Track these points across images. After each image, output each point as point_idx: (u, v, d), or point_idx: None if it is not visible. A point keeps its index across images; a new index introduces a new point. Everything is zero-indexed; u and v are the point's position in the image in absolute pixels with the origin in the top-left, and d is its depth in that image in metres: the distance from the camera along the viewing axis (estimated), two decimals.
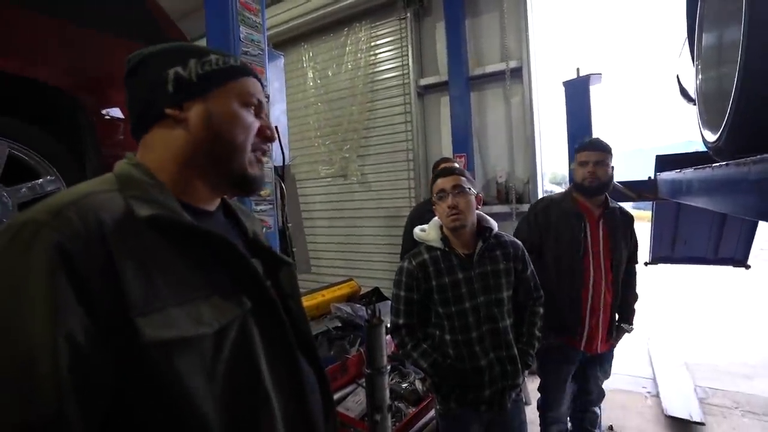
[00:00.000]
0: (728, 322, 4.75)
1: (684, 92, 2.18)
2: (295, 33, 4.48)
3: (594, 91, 2.49)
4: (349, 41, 4.26)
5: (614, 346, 2.01)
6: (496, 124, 3.72)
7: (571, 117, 2.58)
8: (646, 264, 3.08)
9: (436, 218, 1.53)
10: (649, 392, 3.13)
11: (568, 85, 2.59)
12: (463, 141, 3.61)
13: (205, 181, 0.65)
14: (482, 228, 1.49)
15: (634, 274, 2.00)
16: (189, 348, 0.53)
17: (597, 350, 1.88)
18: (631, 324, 1.98)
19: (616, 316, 1.95)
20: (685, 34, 1.67)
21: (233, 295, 0.61)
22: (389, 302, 2.54)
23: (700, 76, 1.41)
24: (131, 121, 0.67)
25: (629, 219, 1.94)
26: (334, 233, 4.59)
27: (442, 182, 1.45)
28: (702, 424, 2.58)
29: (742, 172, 0.78)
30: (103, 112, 1.45)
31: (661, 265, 3.16)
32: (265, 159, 0.71)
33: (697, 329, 4.50)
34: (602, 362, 1.99)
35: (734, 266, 3.00)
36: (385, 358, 1.19)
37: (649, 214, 2.87)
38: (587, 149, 1.83)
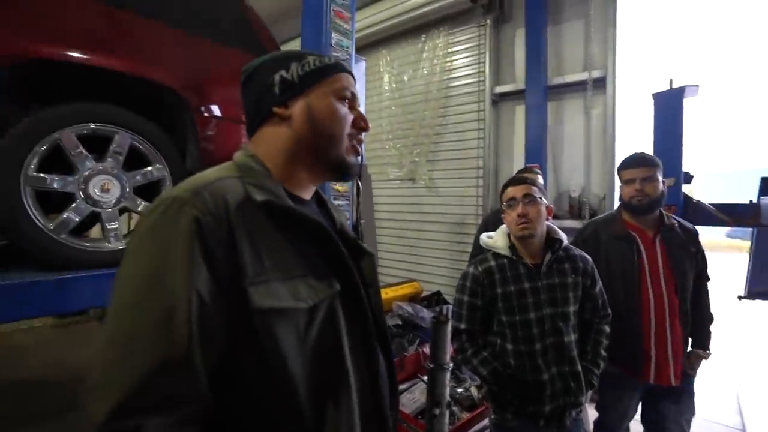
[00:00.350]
0: None
1: None
2: (374, 38, 4.66)
3: (688, 104, 2.31)
4: (426, 47, 4.35)
5: (693, 378, 1.78)
6: (573, 135, 3.58)
7: (659, 132, 2.42)
8: (740, 298, 2.78)
9: (503, 226, 1.54)
10: (735, 426, 2.83)
11: (659, 97, 2.43)
12: (536, 152, 3.53)
13: (307, 170, 0.74)
14: (551, 239, 1.48)
15: (706, 293, 1.80)
16: (286, 318, 0.62)
17: (670, 383, 1.70)
18: (707, 349, 1.78)
19: (689, 343, 1.76)
20: None
21: (325, 277, 0.68)
22: (449, 306, 2.57)
23: None
24: (247, 122, 0.78)
25: (692, 234, 1.78)
26: (399, 235, 4.70)
27: (513, 191, 1.46)
28: None
29: None
30: (202, 109, 1.62)
31: (759, 302, 2.84)
32: (360, 148, 0.79)
33: None
34: (678, 398, 1.76)
35: None
36: (448, 356, 1.23)
37: (743, 243, 2.59)
38: (631, 166, 1.73)
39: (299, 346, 0.62)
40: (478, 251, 2.48)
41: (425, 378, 2.03)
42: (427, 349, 2.20)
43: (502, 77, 3.94)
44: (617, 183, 3.34)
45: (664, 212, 1.77)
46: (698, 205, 2.15)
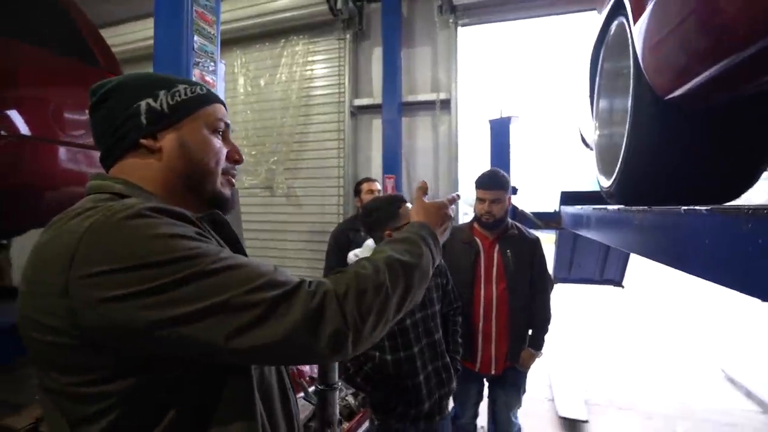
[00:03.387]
0: (627, 357, 5.08)
1: (583, 140, 2.62)
2: (229, 36, 4.36)
3: (514, 129, 2.87)
4: (285, 53, 4.29)
5: (524, 374, 2.08)
6: (424, 149, 4.01)
7: (494, 151, 2.92)
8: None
9: (369, 241, 1.62)
10: (546, 397, 3.58)
11: (492, 123, 2.95)
12: (393, 162, 3.83)
13: (181, 202, 0.70)
14: None
15: (543, 297, 2.07)
16: None
17: (493, 372, 2.01)
18: (539, 349, 2.06)
19: (527, 340, 2.05)
20: (587, 93, 2.05)
21: None
22: None
23: (597, 132, 1.76)
24: (101, 149, 0.70)
25: (532, 242, 2.08)
26: (256, 245, 4.47)
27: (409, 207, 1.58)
28: (585, 421, 3.04)
29: (629, 217, 1.03)
30: None
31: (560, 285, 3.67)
32: (233, 180, 0.79)
33: (597, 364, 4.77)
34: (507, 389, 2.09)
35: (614, 286, 3.60)
36: (336, 374, 1.26)
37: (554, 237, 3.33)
38: (484, 187, 2.00)
39: None
40: (335, 265, 2.54)
41: (301, 395, 2.00)
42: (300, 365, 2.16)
43: (361, 90, 4.16)
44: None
45: (509, 222, 2.09)
46: (522, 213, 2.68)
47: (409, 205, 1.56)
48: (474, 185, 2.07)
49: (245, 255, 0.69)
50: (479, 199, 2.02)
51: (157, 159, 0.68)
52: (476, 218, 2.07)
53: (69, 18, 1.56)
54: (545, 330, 2.09)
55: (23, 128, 1.30)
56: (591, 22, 1.84)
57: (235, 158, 0.77)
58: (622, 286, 3.55)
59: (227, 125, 0.76)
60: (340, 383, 1.35)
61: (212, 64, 1.75)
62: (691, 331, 5.84)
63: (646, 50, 1.02)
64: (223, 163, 0.74)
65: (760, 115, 0.96)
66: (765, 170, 1.10)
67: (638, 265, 3.57)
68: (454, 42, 3.83)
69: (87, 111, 0.71)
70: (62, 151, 1.40)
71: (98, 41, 1.62)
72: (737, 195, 1.15)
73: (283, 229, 4.36)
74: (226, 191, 0.75)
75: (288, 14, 4.03)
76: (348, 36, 4.05)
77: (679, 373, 4.32)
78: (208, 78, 1.73)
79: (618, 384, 4.05)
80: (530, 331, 2.08)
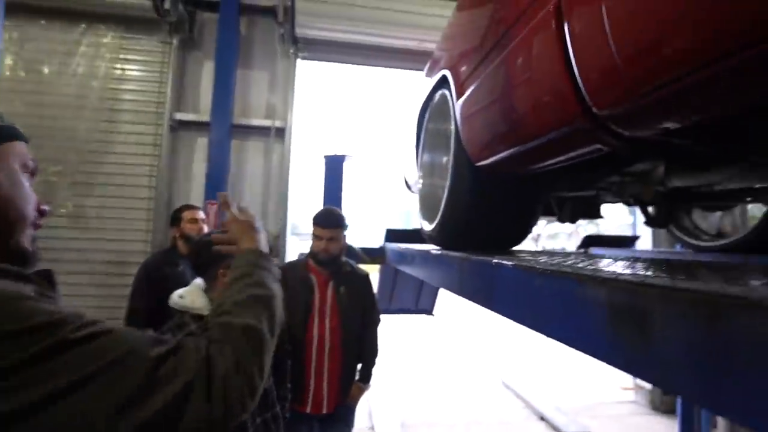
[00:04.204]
0: (445, 380, 5.94)
1: (407, 184, 3.01)
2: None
3: (347, 168, 3.10)
4: (85, 41, 3.62)
5: (352, 405, 2.17)
6: (254, 176, 3.91)
7: (327, 186, 3.08)
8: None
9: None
10: (367, 426, 3.79)
11: (327, 159, 3.11)
12: (218, 188, 3.57)
13: None
14: None
15: (373, 331, 2.20)
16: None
17: (325, 411, 2.03)
18: (368, 382, 2.18)
19: (357, 374, 2.15)
20: (413, 145, 2.38)
21: None
22: None
23: (420, 181, 2.07)
24: None
25: (364, 278, 2.21)
26: None
27: None
28: None
29: (451, 262, 1.25)
30: None
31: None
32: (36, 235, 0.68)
33: (415, 389, 5.22)
34: (335, 424, 2.12)
35: (426, 314, 4.15)
36: None
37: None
38: (321, 225, 2.09)
39: None
40: (144, 305, 2.14)
41: None
42: None
43: (185, 104, 3.82)
44: (289, 225, 3.93)
45: (344, 259, 2.20)
46: (352, 248, 2.87)
47: None
48: (311, 222, 2.13)
49: None
50: (316, 237, 2.08)
51: None
52: (312, 254, 2.12)
53: None
54: (374, 363, 2.23)
55: None
56: (420, 83, 2.18)
57: (41, 209, 0.66)
58: (433, 315, 4.13)
59: (36, 167, 0.65)
60: None
61: None
62: (483, 350, 7.11)
63: (463, 123, 1.29)
64: (33, 212, 0.63)
65: (538, 187, 1.32)
66: (534, 227, 1.51)
67: (443, 296, 4.18)
68: (293, 72, 3.94)
69: None
70: None
71: None
72: (520, 242, 1.53)
73: (65, 258, 3.49)
74: (29, 246, 0.63)
75: None
76: (175, 41, 3.71)
77: (473, 387, 5.17)
78: None
79: (427, 403, 4.60)
80: (359, 366, 2.21)
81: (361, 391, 2.18)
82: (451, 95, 1.41)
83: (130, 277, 2.40)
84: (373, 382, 2.28)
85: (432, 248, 1.72)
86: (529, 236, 1.57)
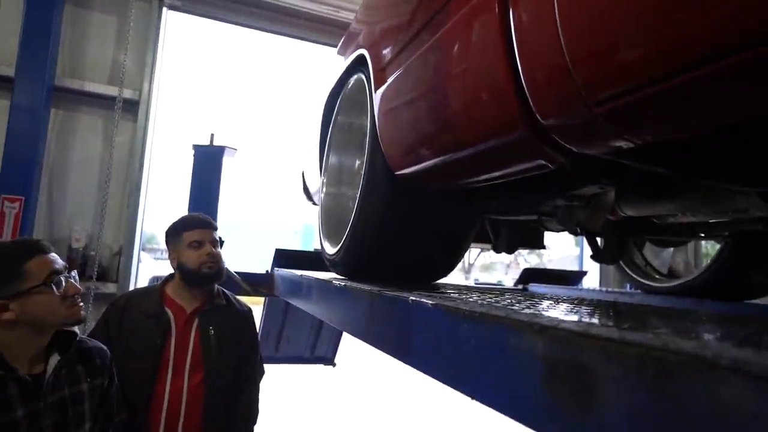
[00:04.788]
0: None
1: (306, 191, 2.98)
2: None
3: (226, 163, 2.99)
4: None
5: None
6: (87, 163, 3.64)
7: (196, 184, 2.93)
8: None
9: None
10: None
11: (198, 149, 2.97)
12: (24, 175, 3.23)
13: None
14: (60, 333, 1.44)
15: (253, 388, 2.11)
16: None
17: None
18: None
19: None
20: (317, 140, 2.37)
21: None
22: None
23: (324, 189, 2.05)
24: None
25: (244, 316, 2.12)
26: None
27: (47, 261, 1.39)
28: None
29: (360, 297, 1.25)
30: None
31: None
32: None
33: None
34: None
35: (325, 364, 4.11)
36: None
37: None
38: (199, 226, 1.99)
39: None
40: None
41: None
42: None
43: None
44: (138, 238, 3.66)
45: (216, 287, 2.07)
46: (229, 273, 2.74)
47: (52, 256, 1.41)
48: (175, 230, 1.99)
49: None
50: (194, 243, 1.95)
51: None
52: (188, 274, 1.95)
53: None
54: (251, 430, 2.13)
55: None
56: (331, 62, 2.19)
57: None
58: (334, 364, 4.09)
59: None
60: None
61: None
62: (396, 406, 7.23)
63: (382, 119, 1.31)
64: None
65: (470, 207, 1.39)
66: (463, 255, 1.58)
67: (350, 340, 4.22)
68: (156, 25, 3.74)
69: None
70: None
71: None
72: (447, 273, 1.59)
73: None
74: None
75: None
76: None
77: None
78: None
79: None
80: None
81: None
82: (369, 82, 1.43)
83: None
84: None
85: (335, 278, 1.70)
86: (459, 266, 1.64)
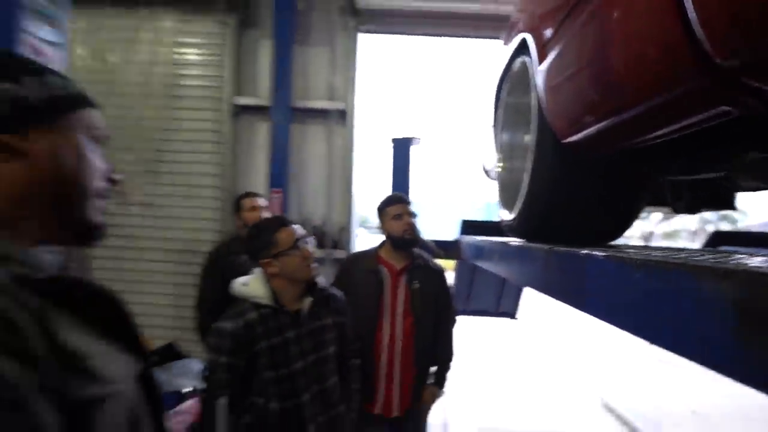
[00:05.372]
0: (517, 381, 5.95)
1: (485, 170, 2.92)
2: None
3: (414, 152, 3.09)
4: (147, 27, 3.97)
5: (425, 410, 2.19)
6: (317, 163, 4.04)
7: (395, 172, 3.09)
8: None
9: (258, 271, 1.59)
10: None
11: (395, 142, 3.13)
12: (281, 175, 3.78)
13: (36, 227, 0.62)
14: (311, 282, 1.63)
15: (447, 332, 2.19)
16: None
17: (395, 414, 2.07)
18: (443, 387, 2.18)
19: (431, 377, 2.15)
20: (491, 124, 2.31)
21: (119, 354, 0.63)
22: (188, 361, 2.38)
23: (499, 164, 1.99)
24: None
25: (439, 274, 2.20)
26: (104, 266, 3.92)
27: (292, 232, 1.58)
28: None
29: (534, 255, 1.20)
30: None
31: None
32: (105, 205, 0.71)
33: (488, 390, 5.43)
34: (407, 429, 2.16)
35: (509, 318, 4.03)
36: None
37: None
38: (399, 202, 2.13)
39: None
40: (213, 295, 2.40)
41: None
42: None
43: (245, 88, 4.04)
44: (355, 215, 4.01)
45: (416, 251, 2.19)
46: (423, 241, 2.87)
47: (296, 227, 1.60)
48: (382, 207, 2.15)
49: (128, 323, 0.65)
50: (396, 216, 2.09)
51: (21, 165, 0.58)
52: (394, 240, 2.11)
53: None
54: (448, 367, 2.22)
55: None
56: (496, 52, 2.10)
57: (113, 178, 0.70)
58: (516, 318, 4.00)
59: (107, 136, 0.69)
60: None
61: (55, 33, 1.50)
62: (576, 361, 6.78)
63: (547, 94, 1.22)
64: (100, 183, 0.66)
65: (642, 168, 1.21)
66: (638, 216, 1.39)
67: (531, 297, 4.05)
68: (354, 47, 3.98)
69: None
70: None
71: None
72: (618, 236, 1.42)
73: (139, 245, 3.92)
74: (99, 218, 0.67)
75: None
76: (232, 21, 3.93)
77: (563, 401, 4.96)
78: (47, 50, 1.49)
79: (508, 413, 4.51)
80: (432, 369, 2.19)
81: (434, 396, 2.18)
82: (532, 62, 1.34)
83: (198, 266, 2.66)
84: (448, 387, 2.28)
85: (512, 241, 1.65)
86: (640, 234, 1.44)
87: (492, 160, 2.21)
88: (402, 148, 3.11)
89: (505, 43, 1.87)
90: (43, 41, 1.52)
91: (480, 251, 2.23)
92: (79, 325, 0.57)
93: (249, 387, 1.50)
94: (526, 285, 1.40)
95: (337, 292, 1.80)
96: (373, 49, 4.25)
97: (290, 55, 3.83)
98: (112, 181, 0.70)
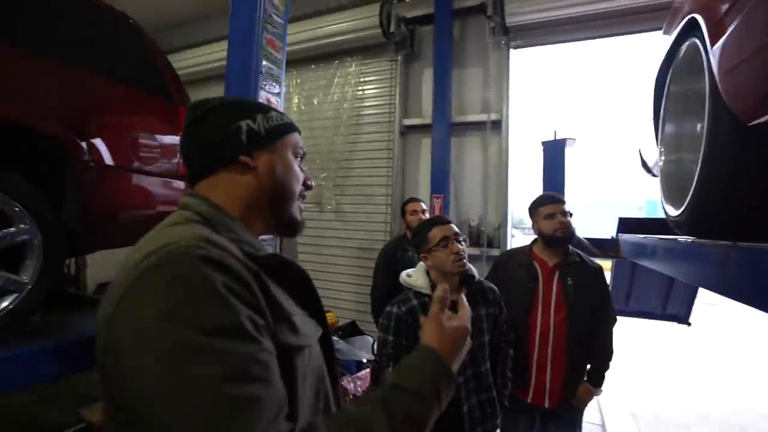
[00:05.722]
0: (672, 374, 5.13)
1: (644, 165, 2.48)
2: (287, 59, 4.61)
3: (568, 152, 2.77)
4: (338, 73, 4.45)
5: (580, 406, 1.97)
6: (473, 170, 3.98)
7: (547, 173, 2.84)
8: None
9: (421, 264, 1.62)
10: (596, 422, 3.36)
11: (546, 145, 2.87)
12: (441, 182, 3.82)
13: (261, 222, 0.75)
14: (466, 275, 1.60)
15: (605, 329, 1.94)
16: (300, 354, 0.64)
17: (546, 406, 1.89)
18: (599, 386, 1.93)
19: (585, 374, 1.93)
20: (651, 116, 1.94)
21: (309, 319, 0.71)
22: (365, 337, 2.57)
23: (663, 158, 1.65)
24: (194, 163, 0.74)
25: (595, 271, 1.96)
26: (305, 260, 4.58)
27: (443, 229, 1.55)
28: None
29: (708, 252, 0.95)
30: (86, 157, 1.39)
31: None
32: (303, 206, 0.83)
33: (643, 380, 4.82)
34: (559, 421, 1.96)
35: (678, 323, 3.32)
36: None
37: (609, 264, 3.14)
38: (551, 202, 1.94)
39: (303, 379, 0.64)
40: (384, 283, 2.56)
41: None
42: (345, 383, 2.17)
43: (411, 111, 4.22)
44: (510, 215, 3.81)
45: (570, 248, 1.99)
46: (579, 239, 2.56)
47: (449, 226, 1.58)
48: (534, 207, 2.01)
49: (315, 296, 0.73)
50: (548, 216, 1.93)
51: (252, 176, 0.72)
52: (547, 238, 1.96)
53: (150, 59, 1.73)
54: (605, 366, 1.94)
55: (107, 158, 1.45)
56: (655, 42, 1.76)
57: (308, 184, 0.81)
58: (689, 324, 3.26)
59: (305, 152, 0.82)
60: None
61: (277, 86, 1.87)
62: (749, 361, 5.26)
63: (725, 73, 0.96)
64: (300, 187, 0.78)
65: None
66: None
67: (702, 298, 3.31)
68: (506, 63, 3.80)
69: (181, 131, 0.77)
70: (137, 178, 1.55)
71: (173, 79, 1.77)
72: None
73: (331, 243, 4.46)
74: (299, 215, 0.79)
75: (343, 38, 4.20)
76: (399, 57, 4.14)
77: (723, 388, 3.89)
78: (272, 99, 1.84)
79: (658, 396, 3.79)
80: (588, 366, 1.95)
81: (589, 394, 1.93)
82: (704, 42, 1.07)
83: (373, 261, 2.88)
84: (606, 387, 1.97)
85: (680, 238, 1.35)
86: None
87: (654, 154, 1.86)
88: (554, 150, 2.82)
89: (666, 32, 1.56)
90: (271, 92, 1.85)
91: (642, 249, 1.89)
92: (282, 290, 0.66)
93: None
94: (698, 285, 1.12)
95: (491, 285, 1.72)
96: (525, 61, 3.97)
97: (448, 79, 3.86)
98: (308, 187, 0.81)
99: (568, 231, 1.90)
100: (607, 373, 1.95)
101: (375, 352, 1.60)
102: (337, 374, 0.79)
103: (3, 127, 1.22)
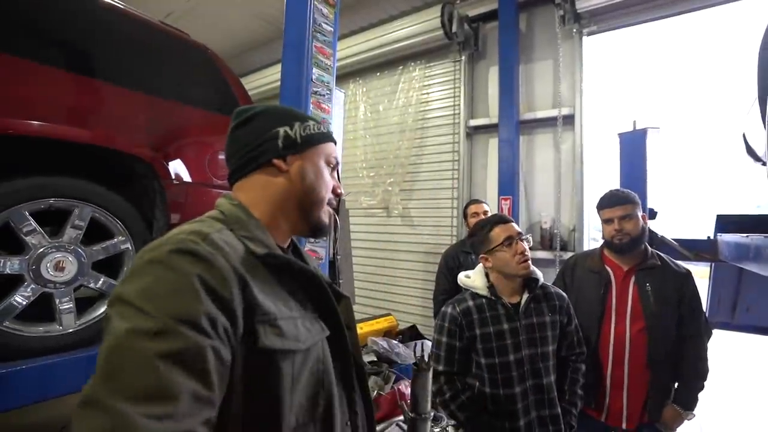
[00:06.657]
0: None
1: (751, 151, 2.13)
2: (352, 69, 4.77)
3: (651, 143, 2.47)
4: (402, 79, 4.48)
5: (665, 430, 1.68)
6: (544, 169, 3.75)
7: (625, 169, 2.56)
8: None
9: (480, 265, 1.55)
10: None
11: (623, 137, 2.59)
12: (509, 183, 3.65)
13: (289, 223, 0.80)
14: (529, 278, 1.51)
15: (696, 344, 1.67)
16: (286, 358, 0.66)
17: (623, 426, 1.67)
18: (690, 409, 1.65)
19: (672, 394, 1.68)
20: (756, 96, 1.65)
21: (316, 320, 0.74)
22: (426, 341, 2.54)
23: None
24: (233, 164, 0.81)
25: (681, 276, 1.70)
26: (371, 264, 4.66)
27: (506, 229, 1.48)
28: None
29: None
30: (172, 176, 1.61)
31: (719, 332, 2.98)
32: (331, 211, 0.87)
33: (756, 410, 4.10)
34: None
35: None
36: (429, 404, 1.22)
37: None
38: (608, 206, 1.74)
39: (291, 384, 0.66)
40: (445, 286, 2.51)
41: (400, 419, 1.97)
42: (402, 387, 2.15)
43: (476, 111, 4.10)
44: (587, 216, 3.51)
45: (650, 250, 1.77)
46: (662, 240, 2.26)
47: (512, 225, 1.50)
48: (597, 209, 1.82)
49: (325, 296, 0.75)
50: (605, 221, 1.76)
51: (284, 179, 0.78)
52: (607, 244, 1.79)
53: (223, 82, 1.96)
54: (698, 386, 1.67)
55: (186, 176, 1.67)
56: (755, 12, 1.50)
57: (337, 192, 0.86)
58: None
59: (338, 162, 0.87)
60: (432, 413, 1.30)
61: (328, 92, 1.95)
62: None
63: None
64: (329, 195, 0.83)
65: None
66: None
67: None
68: (579, 53, 3.53)
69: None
70: (213, 193, 1.76)
71: (244, 99, 2.00)
72: None
73: (397, 248, 4.48)
74: (326, 220, 0.83)
75: (405, 43, 4.22)
76: (463, 57, 4.06)
77: None
78: (324, 105, 1.92)
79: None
80: (676, 385, 1.71)
81: (677, 418, 1.67)
82: None
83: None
84: (699, 410, 1.69)
85: None
86: None
87: (763, 140, 1.59)
88: (632, 141, 2.52)
89: None
90: (320, 97, 1.94)
91: (746, 251, 1.61)
92: (279, 293, 0.68)
93: (468, 369, 1.48)
94: None
95: (559, 291, 1.59)
96: (601, 46, 3.62)
97: (515, 75, 3.69)
98: (337, 195, 0.85)
99: (626, 238, 1.69)
100: (701, 395, 1.68)
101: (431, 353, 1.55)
102: (353, 375, 0.79)
103: (109, 154, 1.45)
